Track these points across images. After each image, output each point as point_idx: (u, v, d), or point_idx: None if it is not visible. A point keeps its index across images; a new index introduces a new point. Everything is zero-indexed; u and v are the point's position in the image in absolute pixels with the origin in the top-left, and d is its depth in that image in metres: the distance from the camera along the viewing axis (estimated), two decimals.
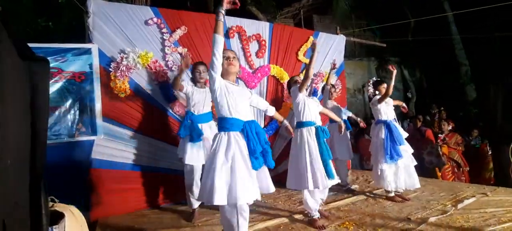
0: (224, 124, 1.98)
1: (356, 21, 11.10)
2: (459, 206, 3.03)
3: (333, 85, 4.32)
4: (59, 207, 1.85)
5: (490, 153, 5.59)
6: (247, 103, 2.14)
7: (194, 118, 2.92)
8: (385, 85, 3.50)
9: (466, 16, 6.87)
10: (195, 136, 2.84)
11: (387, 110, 3.48)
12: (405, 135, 3.47)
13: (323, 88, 4.48)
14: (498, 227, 2.47)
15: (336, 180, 2.73)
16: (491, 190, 3.56)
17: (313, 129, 2.74)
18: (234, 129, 1.96)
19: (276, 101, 4.44)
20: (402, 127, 7.75)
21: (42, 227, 1.19)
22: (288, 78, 4.57)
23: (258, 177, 2.01)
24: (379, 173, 3.40)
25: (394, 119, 3.49)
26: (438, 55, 9.85)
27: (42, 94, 1.20)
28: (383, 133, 3.36)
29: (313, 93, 4.83)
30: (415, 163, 3.44)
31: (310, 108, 2.80)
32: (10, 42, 0.98)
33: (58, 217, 1.74)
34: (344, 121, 4.08)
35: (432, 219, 2.68)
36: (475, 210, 2.91)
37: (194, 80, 3.06)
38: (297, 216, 2.94)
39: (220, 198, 1.81)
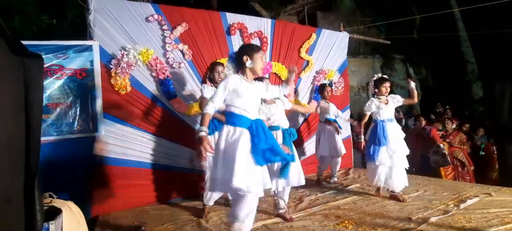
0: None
1: (361, 18, 10.97)
2: (462, 206, 2.98)
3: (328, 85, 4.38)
4: (57, 203, 1.87)
5: (495, 152, 5.49)
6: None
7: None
8: (387, 84, 3.35)
9: (473, 13, 6.73)
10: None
11: (382, 110, 3.32)
12: (401, 135, 3.34)
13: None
14: (501, 228, 2.42)
15: (290, 183, 2.75)
16: (496, 190, 3.49)
17: (279, 132, 2.80)
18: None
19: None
20: (407, 125, 7.71)
21: (36, 223, 1.20)
22: None
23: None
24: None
25: (389, 119, 3.33)
26: (444, 53, 9.68)
27: (36, 90, 1.20)
28: (369, 132, 3.43)
29: (315, 90, 4.81)
30: (406, 166, 3.33)
31: (275, 112, 2.89)
32: (0, 38, 0.97)
33: (55, 213, 1.76)
34: (334, 121, 4.10)
35: (433, 219, 2.64)
36: (478, 210, 2.86)
37: (213, 81, 3.01)
38: (295, 215, 2.92)
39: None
